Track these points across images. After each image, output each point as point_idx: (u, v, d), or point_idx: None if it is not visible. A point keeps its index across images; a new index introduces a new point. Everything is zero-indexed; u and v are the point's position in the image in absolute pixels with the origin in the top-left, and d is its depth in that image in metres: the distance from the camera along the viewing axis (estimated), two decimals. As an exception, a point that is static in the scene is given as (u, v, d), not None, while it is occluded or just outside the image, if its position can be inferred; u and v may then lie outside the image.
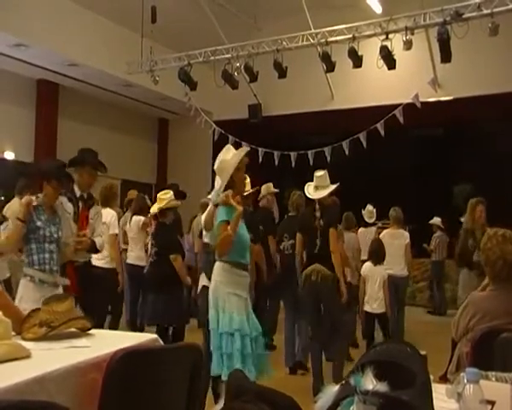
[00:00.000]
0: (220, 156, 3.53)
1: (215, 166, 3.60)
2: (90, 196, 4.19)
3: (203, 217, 3.71)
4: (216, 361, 3.31)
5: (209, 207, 3.62)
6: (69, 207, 3.87)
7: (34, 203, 3.52)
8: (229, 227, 3.35)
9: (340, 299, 4.54)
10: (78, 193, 4.04)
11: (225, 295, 3.39)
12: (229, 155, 3.49)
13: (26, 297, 3.35)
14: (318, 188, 4.59)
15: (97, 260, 5.32)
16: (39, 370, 1.65)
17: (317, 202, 4.59)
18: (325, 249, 4.51)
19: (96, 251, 4.04)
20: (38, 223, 3.50)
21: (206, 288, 3.72)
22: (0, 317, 1.85)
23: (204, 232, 4.06)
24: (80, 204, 4.03)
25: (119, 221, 7.13)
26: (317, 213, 4.54)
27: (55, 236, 3.54)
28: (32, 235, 3.47)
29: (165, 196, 5.28)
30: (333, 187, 4.58)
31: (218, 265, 3.49)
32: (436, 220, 9.10)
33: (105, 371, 1.69)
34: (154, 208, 5.32)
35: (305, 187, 4.74)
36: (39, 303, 3.19)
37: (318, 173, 4.64)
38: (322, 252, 4.52)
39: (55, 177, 3.57)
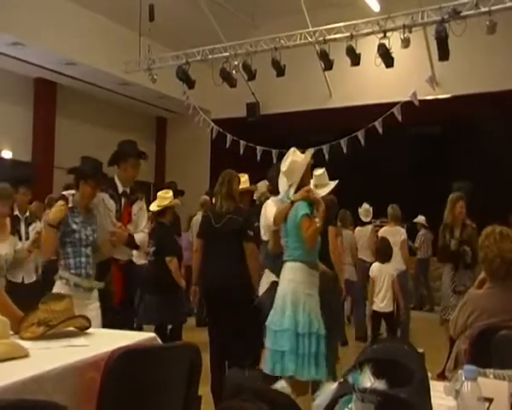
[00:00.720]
0: (289, 158, 3.60)
1: (284, 168, 3.62)
2: (133, 190, 3.97)
3: (273, 212, 3.68)
4: (271, 359, 3.36)
5: (284, 204, 3.59)
6: (111, 204, 3.73)
7: (70, 205, 3.44)
8: (316, 220, 3.44)
9: (339, 296, 4.54)
10: (120, 189, 3.81)
11: (306, 297, 3.43)
12: (298, 157, 3.62)
13: None
14: (318, 186, 4.57)
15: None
16: (37, 369, 1.65)
17: None
18: (324, 247, 4.50)
19: (136, 247, 3.84)
20: (74, 226, 3.41)
21: (276, 283, 3.69)
22: (-2, 316, 1.85)
23: (263, 230, 4.05)
24: (123, 200, 3.82)
25: None
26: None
27: (91, 239, 3.45)
28: (67, 239, 3.39)
29: (167, 196, 5.29)
30: (332, 185, 4.56)
31: (294, 265, 3.50)
32: (420, 219, 9.21)
33: (103, 370, 1.69)
34: (154, 207, 5.31)
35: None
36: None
37: (317, 172, 4.62)
38: (321, 249, 4.52)
39: (92, 176, 3.47)
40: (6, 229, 4.15)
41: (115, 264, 3.71)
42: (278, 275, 3.63)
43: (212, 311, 4.25)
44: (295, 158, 3.59)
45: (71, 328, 2.15)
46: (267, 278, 4.01)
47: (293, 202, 3.50)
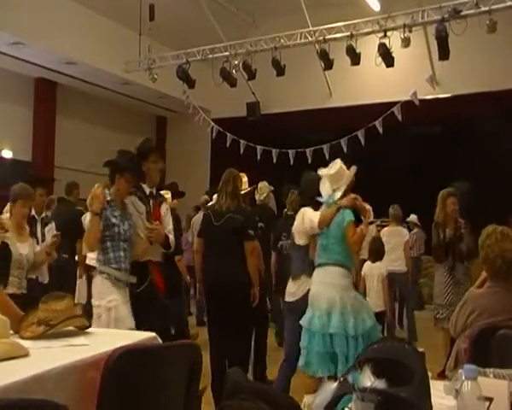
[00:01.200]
0: (337, 165, 3.82)
1: (331, 171, 3.77)
2: (159, 192, 3.95)
3: (314, 217, 3.75)
4: (316, 360, 3.47)
5: (331, 209, 3.68)
6: (141, 206, 3.66)
7: (108, 198, 3.39)
8: (362, 226, 3.58)
9: None
10: (147, 190, 3.71)
11: (352, 300, 3.56)
12: (344, 166, 3.84)
13: (102, 295, 3.32)
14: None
15: (92, 260, 5.37)
16: (38, 368, 1.65)
17: None
18: None
19: (169, 247, 3.77)
20: (113, 220, 3.36)
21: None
22: (-2, 316, 1.85)
23: (297, 236, 4.02)
24: (151, 202, 3.74)
25: None
26: None
27: (128, 234, 3.42)
28: (106, 232, 3.34)
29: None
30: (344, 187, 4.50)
31: (335, 269, 3.60)
32: (412, 218, 9.22)
33: (103, 369, 1.69)
34: None
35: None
36: (116, 301, 3.26)
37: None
38: None
39: (129, 170, 3.41)
40: (25, 230, 4.07)
41: (152, 264, 3.67)
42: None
43: (212, 309, 4.25)
44: (344, 166, 3.84)
45: (71, 327, 2.15)
46: (304, 283, 3.91)
47: (339, 208, 3.64)
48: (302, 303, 3.75)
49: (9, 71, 9.77)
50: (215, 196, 6.15)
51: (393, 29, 7.79)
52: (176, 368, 1.88)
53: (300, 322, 3.63)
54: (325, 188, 3.79)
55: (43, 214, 5.17)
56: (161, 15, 8.95)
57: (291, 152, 9.36)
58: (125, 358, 1.71)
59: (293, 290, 4.02)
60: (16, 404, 1.31)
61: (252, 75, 9.00)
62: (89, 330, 2.21)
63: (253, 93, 10.96)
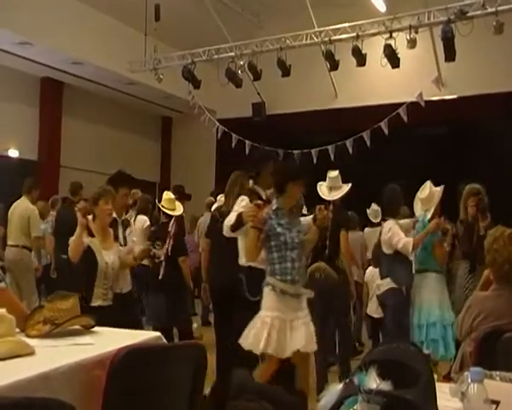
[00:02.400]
0: (426, 189, 4.54)
1: (422, 196, 4.55)
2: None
3: (410, 242, 4.42)
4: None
5: (420, 235, 4.45)
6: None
7: (273, 207, 3.33)
8: (445, 244, 4.62)
9: (348, 300, 4.57)
10: (263, 196, 3.75)
11: (446, 297, 4.50)
12: (435, 189, 4.52)
13: (269, 306, 3.27)
14: (332, 189, 4.60)
15: None
16: (43, 367, 1.66)
17: (331, 203, 4.57)
18: (334, 250, 4.52)
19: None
20: (279, 229, 3.28)
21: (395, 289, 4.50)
22: (4, 314, 1.86)
23: (385, 246, 4.57)
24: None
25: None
26: (330, 214, 4.50)
27: (296, 241, 3.31)
28: (272, 242, 3.28)
29: (174, 205, 5.32)
30: (346, 188, 4.60)
31: (432, 274, 4.49)
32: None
33: (108, 368, 1.70)
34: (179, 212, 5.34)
35: (318, 187, 4.72)
36: (283, 313, 3.23)
37: (332, 174, 4.66)
38: (331, 252, 4.54)
39: (302, 176, 3.38)
40: (110, 235, 3.85)
41: None
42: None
43: (218, 310, 4.25)
44: (433, 189, 4.51)
45: (76, 326, 2.16)
46: (389, 284, 4.55)
47: (427, 234, 4.41)
48: (386, 297, 4.53)
49: (16, 70, 9.81)
50: (220, 197, 6.17)
51: (399, 30, 7.77)
52: (181, 368, 1.88)
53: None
54: (418, 209, 4.62)
55: (123, 217, 4.72)
56: (167, 16, 8.97)
57: (296, 153, 9.34)
58: (130, 357, 1.71)
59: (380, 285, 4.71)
60: (22, 402, 1.32)
61: (257, 76, 9.00)
62: (94, 329, 2.21)
63: (259, 94, 10.96)
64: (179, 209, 5.38)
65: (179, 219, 5.67)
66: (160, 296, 5.06)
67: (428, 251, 4.46)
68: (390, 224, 4.48)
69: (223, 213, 4.19)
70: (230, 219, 3.56)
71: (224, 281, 4.06)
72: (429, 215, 4.40)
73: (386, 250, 4.55)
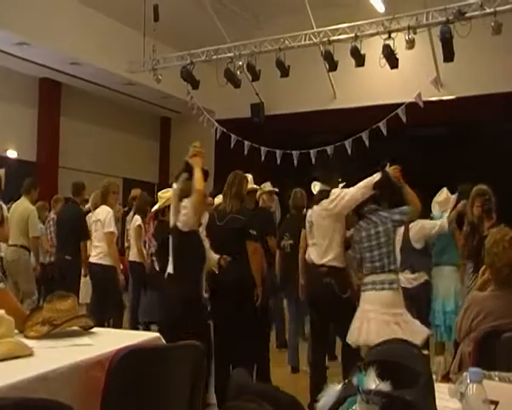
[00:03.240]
0: (444, 192, 5.15)
1: (440, 199, 5.12)
2: None
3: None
4: None
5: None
6: None
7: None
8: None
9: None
10: None
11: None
12: (450, 195, 5.10)
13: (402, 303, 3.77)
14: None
15: (92, 257, 5.42)
16: (42, 368, 1.66)
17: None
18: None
19: None
20: None
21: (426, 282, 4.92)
22: (3, 315, 1.85)
23: (414, 242, 4.89)
24: None
25: (123, 218, 7.20)
26: None
27: None
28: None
29: (165, 195, 5.28)
30: (341, 186, 4.56)
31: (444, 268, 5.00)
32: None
33: (107, 369, 1.70)
34: (155, 207, 5.34)
35: (312, 186, 4.70)
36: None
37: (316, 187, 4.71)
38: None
39: None
40: None
41: None
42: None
43: (217, 310, 4.25)
44: (449, 195, 5.06)
45: (75, 327, 2.15)
46: (423, 277, 4.91)
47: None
48: (418, 291, 4.74)
49: (14, 71, 9.81)
50: (218, 197, 6.16)
51: (398, 30, 7.77)
52: (180, 368, 1.88)
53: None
54: (435, 210, 5.08)
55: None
56: (166, 16, 8.96)
57: (295, 153, 9.35)
58: (129, 358, 1.71)
59: (412, 279, 4.86)
60: (20, 403, 1.31)
61: (256, 76, 9.00)
62: (93, 330, 2.21)
63: (257, 94, 10.96)
64: (156, 205, 5.39)
65: None
66: (155, 292, 5.07)
67: (447, 246, 4.95)
68: (419, 222, 4.86)
69: (219, 211, 4.24)
70: None
71: (221, 280, 4.09)
72: (446, 215, 4.88)
73: (417, 245, 4.91)
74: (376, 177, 3.93)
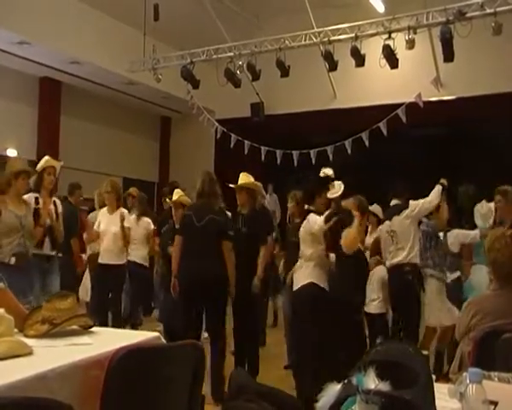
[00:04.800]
0: (485, 205, 5.31)
1: (483, 211, 5.31)
2: None
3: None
4: None
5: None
6: None
7: None
8: None
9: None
10: None
11: None
12: (489, 204, 5.30)
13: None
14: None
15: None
16: (41, 367, 1.66)
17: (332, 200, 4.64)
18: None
19: None
20: None
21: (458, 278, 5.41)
22: (2, 314, 1.85)
23: (452, 246, 5.36)
24: None
25: None
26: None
27: None
28: None
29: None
30: (341, 186, 4.59)
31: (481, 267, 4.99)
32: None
33: (107, 368, 1.69)
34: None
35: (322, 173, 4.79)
36: None
37: (328, 171, 4.69)
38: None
39: None
40: None
41: None
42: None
43: (188, 306, 4.39)
44: (489, 205, 5.24)
45: (75, 326, 2.15)
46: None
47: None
48: (454, 287, 5.15)
49: (14, 70, 9.80)
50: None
51: (398, 31, 7.78)
52: (179, 368, 1.88)
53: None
54: (479, 222, 5.32)
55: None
56: (166, 15, 8.96)
57: (295, 153, 9.35)
58: (128, 357, 1.71)
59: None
60: (20, 402, 1.31)
61: (256, 76, 9.00)
62: (92, 329, 2.21)
63: (258, 94, 10.96)
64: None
65: None
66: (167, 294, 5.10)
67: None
68: (454, 231, 5.40)
69: (196, 211, 4.45)
70: None
71: (199, 277, 4.32)
72: (488, 224, 5.18)
73: (453, 249, 5.38)
74: (440, 190, 4.82)
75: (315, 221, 4.06)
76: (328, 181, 4.29)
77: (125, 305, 6.46)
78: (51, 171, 4.98)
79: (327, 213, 3.97)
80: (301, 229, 4.25)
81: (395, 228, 4.87)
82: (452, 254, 5.43)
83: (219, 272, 4.31)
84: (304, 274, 4.16)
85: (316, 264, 4.15)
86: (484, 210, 5.37)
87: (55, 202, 4.99)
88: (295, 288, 4.25)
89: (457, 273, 5.46)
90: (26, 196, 4.55)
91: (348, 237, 3.98)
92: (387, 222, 4.97)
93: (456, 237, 5.48)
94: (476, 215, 5.41)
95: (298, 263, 4.33)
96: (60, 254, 5.70)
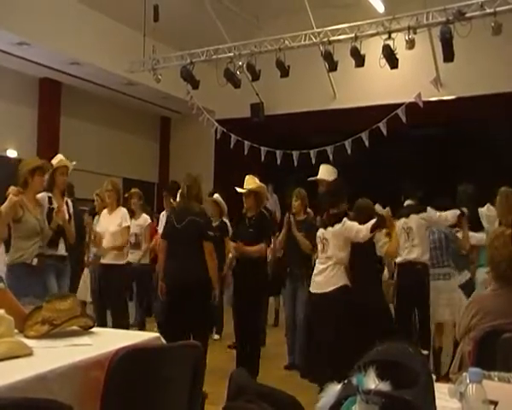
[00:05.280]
0: (491, 209, 5.23)
1: (490, 213, 5.20)
2: None
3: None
4: None
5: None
6: None
7: None
8: None
9: None
10: None
11: None
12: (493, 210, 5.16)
13: None
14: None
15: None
16: (41, 368, 1.66)
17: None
18: None
19: None
20: None
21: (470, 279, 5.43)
22: (3, 315, 1.85)
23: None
24: None
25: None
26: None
27: None
28: None
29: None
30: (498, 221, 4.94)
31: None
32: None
33: (107, 369, 1.70)
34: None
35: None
36: None
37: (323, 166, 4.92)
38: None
39: None
40: None
41: None
42: None
43: (172, 309, 4.47)
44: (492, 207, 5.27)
45: (75, 327, 2.16)
46: (467, 275, 5.39)
47: None
48: (466, 285, 5.18)
49: (14, 71, 9.80)
50: (217, 197, 6.23)
51: (398, 31, 7.77)
52: (179, 368, 1.88)
53: None
54: (485, 222, 5.28)
55: None
56: (165, 16, 8.96)
57: (295, 153, 9.34)
58: (128, 358, 1.71)
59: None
60: (20, 403, 1.31)
61: (256, 76, 8.99)
62: (92, 329, 2.21)
63: (257, 94, 10.96)
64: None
65: None
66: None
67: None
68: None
69: (176, 213, 4.54)
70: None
71: (181, 278, 4.38)
72: (494, 227, 5.09)
73: (464, 251, 5.49)
74: (457, 213, 4.97)
75: (355, 229, 4.21)
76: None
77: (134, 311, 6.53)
78: (64, 171, 4.98)
79: (372, 223, 4.12)
80: (333, 231, 4.33)
81: (412, 225, 5.03)
82: (461, 255, 5.46)
83: (201, 274, 4.35)
84: (336, 276, 4.28)
85: (345, 267, 4.32)
86: (490, 212, 5.36)
87: (67, 202, 4.98)
88: (326, 290, 4.28)
89: (468, 275, 5.48)
90: (39, 196, 4.54)
91: (392, 246, 4.34)
92: (404, 219, 5.09)
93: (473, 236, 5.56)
94: (482, 218, 5.40)
95: (323, 265, 4.37)
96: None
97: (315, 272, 4.44)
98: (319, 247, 4.47)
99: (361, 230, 4.16)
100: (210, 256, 4.40)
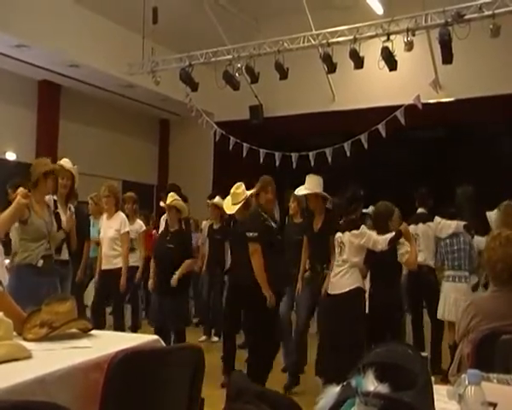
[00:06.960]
0: (496, 213, 5.18)
1: (497, 216, 5.08)
2: None
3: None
4: None
5: None
6: None
7: None
8: None
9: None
10: None
11: None
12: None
13: None
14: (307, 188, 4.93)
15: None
16: (40, 370, 1.65)
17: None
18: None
19: None
20: None
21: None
22: (1, 318, 1.85)
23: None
24: None
25: None
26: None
27: None
28: None
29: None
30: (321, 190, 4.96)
31: None
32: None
33: (106, 371, 1.69)
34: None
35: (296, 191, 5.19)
36: None
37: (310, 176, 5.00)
38: None
39: None
40: None
41: None
42: None
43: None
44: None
45: (74, 330, 2.15)
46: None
47: None
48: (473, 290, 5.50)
49: (13, 73, 9.80)
50: (218, 200, 6.23)
51: (397, 33, 7.78)
52: (179, 371, 1.88)
53: None
54: (493, 224, 5.22)
55: None
56: (165, 18, 8.97)
57: (294, 155, 9.35)
58: (127, 360, 1.71)
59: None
60: (18, 406, 1.31)
61: (255, 78, 9.00)
62: (91, 332, 2.21)
63: (256, 96, 10.96)
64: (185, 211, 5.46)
65: (186, 221, 5.73)
66: (166, 298, 5.12)
67: None
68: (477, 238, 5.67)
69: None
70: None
71: None
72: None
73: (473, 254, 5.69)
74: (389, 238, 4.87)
75: (372, 239, 4.35)
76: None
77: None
78: (66, 175, 5.01)
79: (391, 237, 4.29)
80: (350, 236, 4.46)
81: (419, 232, 5.63)
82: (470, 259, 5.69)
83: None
84: (352, 278, 4.45)
85: (360, 270, 4.51)
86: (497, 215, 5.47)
87: (70, 207, 4.99)
88: (341, 291, 4.44)
89: (475, 279, 5.65)
90: (46, 198, 4.54)
91: (412, 256, 4.45)
92: (413, 226, 5.45)
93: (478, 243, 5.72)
94: (491, 221, 5.48)
95: (339, 267, 4.51)
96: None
97: (332, 274, 4.62)
98: (336, 250, 4.62)
99: (379, 242, 4.33)
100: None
